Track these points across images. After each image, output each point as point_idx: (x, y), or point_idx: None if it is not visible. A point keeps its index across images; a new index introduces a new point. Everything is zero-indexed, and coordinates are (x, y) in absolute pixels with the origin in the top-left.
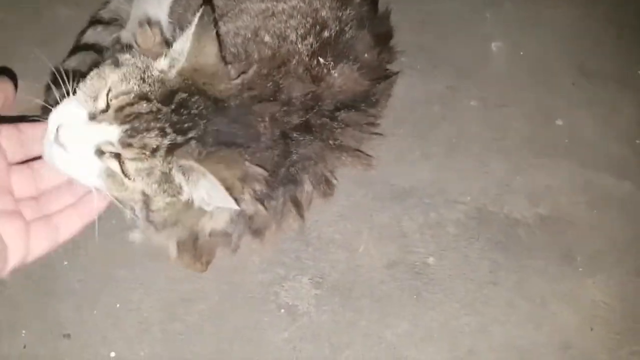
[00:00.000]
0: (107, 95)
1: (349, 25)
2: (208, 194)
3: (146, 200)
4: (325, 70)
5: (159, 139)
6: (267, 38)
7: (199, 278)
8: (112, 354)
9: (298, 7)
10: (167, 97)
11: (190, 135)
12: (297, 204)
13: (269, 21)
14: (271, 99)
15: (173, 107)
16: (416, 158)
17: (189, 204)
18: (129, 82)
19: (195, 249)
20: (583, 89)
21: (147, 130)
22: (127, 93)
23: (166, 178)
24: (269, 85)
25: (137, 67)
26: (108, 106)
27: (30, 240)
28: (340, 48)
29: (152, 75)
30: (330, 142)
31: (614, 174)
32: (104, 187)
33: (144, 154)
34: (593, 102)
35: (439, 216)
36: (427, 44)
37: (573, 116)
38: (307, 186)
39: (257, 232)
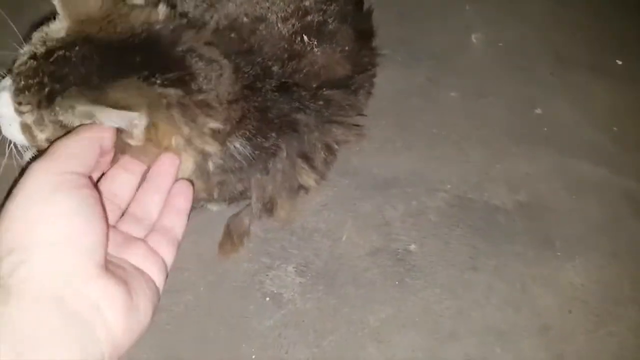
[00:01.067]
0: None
1: (332, 18)
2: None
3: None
4: (308, 48)
5: (40, 92)
6: (245, 20)
7: (186, 269)
8: None
9: None
10: (50, 53)
11: (70, 79)
12: (308, 158)
13: (251, 7)
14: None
15: (52, 59)
16: (398, 148)
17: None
18: (30, 47)
19: None
20: (561, 78)
21: (28, 87)
22: (23, 55)
23: (62, 126)
24: (231, 35)
25: (42, 31)
26: None
27: (162, 259)
28: (323, 34)
29: (47, 36)
30: (317, 113)
31: (591, 161)
32: (24, 141)
33: (31, 108)
34: (571, 91)
35: (421, 204)
36: (406, 36)
37: (551, 105)
38: (312, 144)
39: (268, 206)
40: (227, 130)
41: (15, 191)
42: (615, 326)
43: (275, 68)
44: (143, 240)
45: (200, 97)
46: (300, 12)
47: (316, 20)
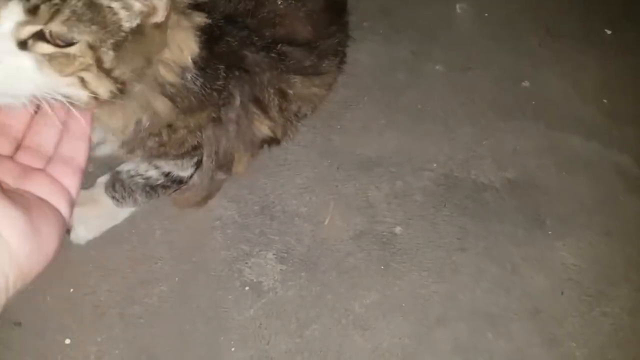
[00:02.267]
0: None
1: None
2: None
3: (98, 61)
4: None
5: None
6: None
7: (158, 259)
8: (67, 341)
9: None
10: None
11: None
12: (259, 101)
13: None
14: None
15: None
16: (381, 126)
17: (135, 33)
18: None
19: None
20: (549, 49)
21: None
22: None
23: (93, 9)
24: None
25: None
26: None
27: (66, 189)
28: None
29: None
30: (270, 60)
31: (582, 135)
32: (52, 83)
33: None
34: (559, 63)
35: (406, 184)
36: (389, 7)
37: (539, 77)
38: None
39: (224, 161)
40: None
41: None
42: (609, 307)
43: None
44: (43, 171)
45: None
46: None
47: None
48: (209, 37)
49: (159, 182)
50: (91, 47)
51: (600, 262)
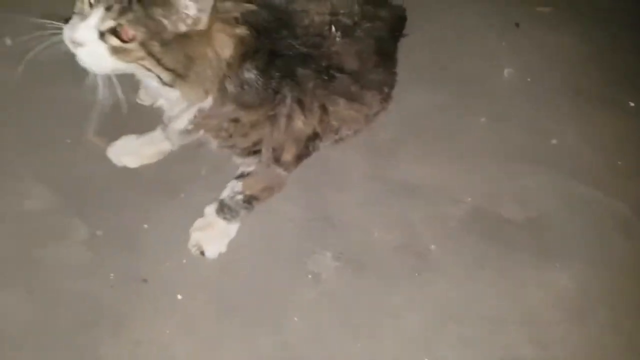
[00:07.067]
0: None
1: (361, 29)
2: None
3: (150, 54)
4: (332, 36)
5: None
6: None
7: (243, 245)
8: (179, 296)
9: None
10: None
11: None
12: (301, 103)
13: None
14: None
15: None
16: (426, 161)
17: (182, 35)
18: None
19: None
20: (577, 110)
21: None
22: None
23: (149, 15)
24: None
25: None
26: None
27: None
28: (347, 34)
29: None
30: (320, 80)
31: (596, 187)
32: (122, 65)
33: None
34: (584, 124)
35: (442, 211)
36: (445, 62)
37: (566, 135)
38: (309, 94)
39: (276, 153)
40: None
41: None
42: (597, 324)
43: (299, 33)
44: None
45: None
46: (333, 11)
47: (345, 22)
48: (272, 52)
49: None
50: (142, 44)
51: (596, 289)
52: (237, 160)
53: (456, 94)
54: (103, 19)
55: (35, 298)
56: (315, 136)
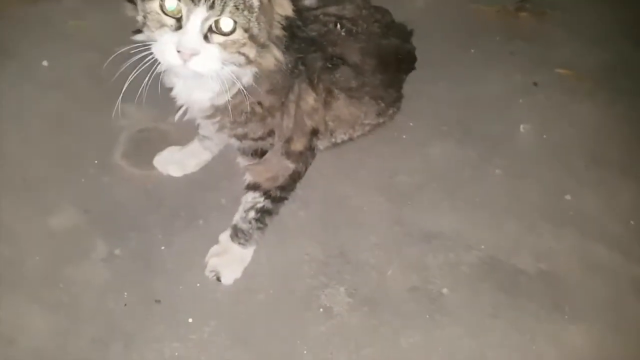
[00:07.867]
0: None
1: (362, 32)
2: None
3: (251, 37)
4: (336, 31)
5: None
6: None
7: (260, 275)
8: (190, 320)
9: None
10: None
11: None
12: (311, 81)
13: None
14: None
15: None
16: (444, 208)
17: (260, 7)
18: None
19: None
20: (593, 172)
21: None
22: None
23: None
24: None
25: None
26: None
27: None
28: (351, 33)
29: None
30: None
31: (607, 245)
32: (228, 57)
33: None
34: (599, 184)
35: (457, 257)
36: (464, 119)
37: (581, 194)
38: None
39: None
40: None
41: None
42: None
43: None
44: None
45: None
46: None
47: (348, 25)
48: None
49: (257, 201)
50: (245, 29)
51: (605, 349)
52: (242, 160)
53: (473, 147)
54: (206, 19)
55: (55, 313)
56: (316, 132)
